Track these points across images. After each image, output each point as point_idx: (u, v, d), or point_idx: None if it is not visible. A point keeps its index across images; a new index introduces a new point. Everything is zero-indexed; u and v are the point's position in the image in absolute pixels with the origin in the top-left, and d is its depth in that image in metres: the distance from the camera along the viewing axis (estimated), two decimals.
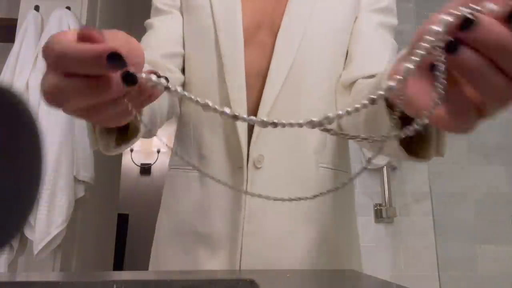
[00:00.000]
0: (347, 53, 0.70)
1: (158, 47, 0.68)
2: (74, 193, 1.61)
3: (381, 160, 1.76)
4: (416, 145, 0.44)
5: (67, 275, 0.49)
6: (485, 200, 1.86)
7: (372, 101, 0.26)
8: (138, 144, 4.53)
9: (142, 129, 0.48)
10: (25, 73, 1.62)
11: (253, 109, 0.64)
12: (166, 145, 0.45)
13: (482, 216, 1.84)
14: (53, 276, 0.46)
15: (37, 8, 1.78)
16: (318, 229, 0.64)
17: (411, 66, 0.25)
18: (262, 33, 0.66)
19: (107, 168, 2.21)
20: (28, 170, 0.25)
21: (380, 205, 1.76)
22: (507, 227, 1.83)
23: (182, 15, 0.73)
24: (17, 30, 1.74)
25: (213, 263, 0.63)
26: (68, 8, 1.77)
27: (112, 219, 2.55)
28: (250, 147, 0.63)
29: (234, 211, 0.63)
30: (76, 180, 1.62)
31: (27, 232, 1.50)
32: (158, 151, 4.56)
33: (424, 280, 1.73)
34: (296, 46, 0.64)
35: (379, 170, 1.79)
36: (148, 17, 0.79)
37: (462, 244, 1.82)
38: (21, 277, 0.46)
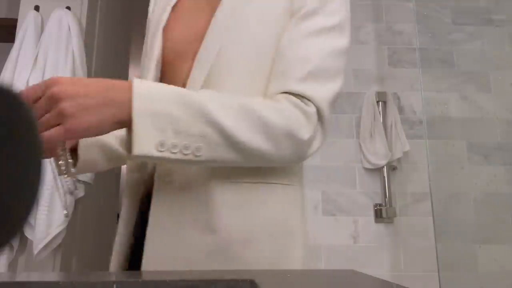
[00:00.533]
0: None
1: None
2: (74, 193, 1.61)
3: (381, 160, 1.76)
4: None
5: (67, 275, 0.49)
6: (485, 200, 1.86)
7: None
8: None
9: (81, 163, 0.68)
10: (25, 73, 1.62)
11: None
12: None
13: (482, 216, 1.84)
14: (53, 276, 0.46)
15: (37, 8, 1.78)
16: (220, 239, 0.64)
17: None
18: (197, 45, 0.68)
19: None
20: (28, 170, 0.25)
21: (380, 205, 1.76)
22: (507, 227, 1.83)
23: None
24: (17, 30, 1.74)
25: (115, 265, 0.69)
26: (68, 8, 1.77)
27: (112, 219, 2.56)
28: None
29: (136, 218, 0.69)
30: (76, 180, 1.62)
31: (27, 232, 1.50)
32: None
33: (424, 280, 1.73)
34: (214, 54, 0.66)
35: (379, 170, 1.79)
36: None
37: (462, 244, 1.82)
38: (21, 277, 0.46)
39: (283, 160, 0.63)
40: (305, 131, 0.62)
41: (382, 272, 1.72)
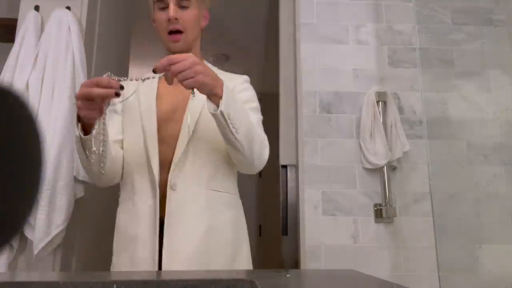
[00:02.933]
0: None
1: (111, 135, 1.16)
2: (74, 193, 1.61)
3: (381, 160, 1.76)
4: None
5: (67, 275, 0.49)
6: (485, 200, 1.86)
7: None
8: None
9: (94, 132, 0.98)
10: (25, 73, 1.62)
11: (166, 161, 1.11)
12: None
13: (482, 216, 1.84)
14: (53, 276, 0.46)
15: (37, 8, 1.78)
16: (217, 234, 1.08)
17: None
18: (177, 114, 1.15)
19: None
20: (28, 170, 0.25)
21: (380, 205, 1.76)
22: (507, 227, 1.83)
23: (122, 113, 1.23)
24: (17, 30, 1.74)
25: (139, 257, 1.05)
26: (68, 8, 1.77)
27: (112, 219, 2.55)
28: (169, 176, 1.08)
29: (153, 219, 1.07)
30: (76, 180, 1.62)
31: (27, 232, 1.50)
32: None
33: (424, 280, 1.73)
34: (194, 121, 1.12)
35: (379, 170, 1.79)
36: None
37: (462, 244, 1.82)
38: (21, 277, 0.46)
39: (254, 166, 1.12)
40: (268, 150, 1.16)
41: (382, 272, 1.72)
